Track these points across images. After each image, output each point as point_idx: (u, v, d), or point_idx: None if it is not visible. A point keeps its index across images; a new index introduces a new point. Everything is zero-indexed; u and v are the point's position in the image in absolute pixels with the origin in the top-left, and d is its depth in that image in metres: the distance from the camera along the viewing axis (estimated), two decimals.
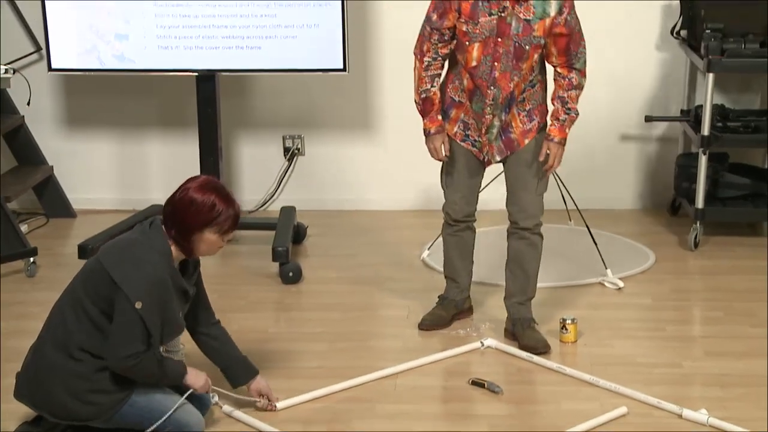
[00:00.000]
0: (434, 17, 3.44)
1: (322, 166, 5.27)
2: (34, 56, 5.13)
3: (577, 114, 3.51)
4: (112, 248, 2.92)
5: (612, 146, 5.22)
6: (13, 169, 5.19)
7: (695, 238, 4.61)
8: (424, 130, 3.59)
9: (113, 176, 5.32)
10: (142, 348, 2.84)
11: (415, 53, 3.54)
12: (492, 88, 3.46)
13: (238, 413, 3.15)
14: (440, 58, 3.50)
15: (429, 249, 4.56)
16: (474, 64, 3.44)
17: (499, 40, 3.40)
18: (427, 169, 5.33)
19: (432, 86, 3.52)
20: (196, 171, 4.70)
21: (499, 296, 4.12)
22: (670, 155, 5.15)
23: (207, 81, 4.62)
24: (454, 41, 3.46)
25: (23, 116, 5.10)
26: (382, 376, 3.43)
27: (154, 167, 5.29)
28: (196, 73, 4.60)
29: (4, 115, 5.09)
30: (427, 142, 3.60)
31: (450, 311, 3.82)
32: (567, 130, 3.51)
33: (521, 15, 3.36)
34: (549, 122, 3.54)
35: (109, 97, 5.20)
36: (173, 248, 2.91)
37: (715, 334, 3.80)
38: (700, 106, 4.71)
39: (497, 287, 4.18)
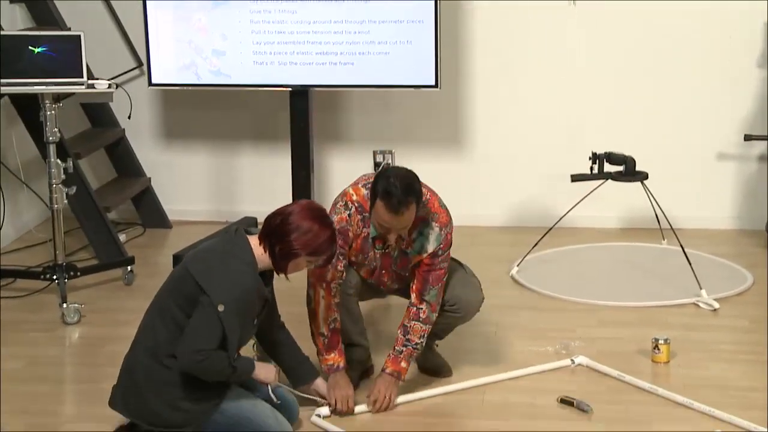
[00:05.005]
0: (340, 242, 3.18)
1: None
2: (136, 71, 5.29)
3: (419, 349, 3.30)
4: (199, 257, 2.98)
5: (709, 165, 5.11)
6: (113, 180, 5.36)
7: None
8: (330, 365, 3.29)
9: (208, 188, 5.44)
10: (213, 347, 2.87)
11: (313, 282, 3.25)
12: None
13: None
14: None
15: (518, 266, 4.53)
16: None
17: (383, 271, 3.36)
18: (517, 186, 5.34)
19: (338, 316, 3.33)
20: (288, 184, 4.78)
21: (590, 315, 4.07)
22: None
23: (300, 96, 4.69)
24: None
25: (124, 129, 5.25)
26: (471, 387, 3.43)
27: (247, 179, 5.39)
28: (290, 89, 4.67)
29: (106, 128, 5.27)
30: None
31: (357, 371, 3.50)
32: (403, 364, 3.27)
33: (403, 247, 3.29)
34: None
35: (205, 111, 5.32)
36: (262, 258, 2.96)
37: None
38: None
39: (588, 305, 4.14)
